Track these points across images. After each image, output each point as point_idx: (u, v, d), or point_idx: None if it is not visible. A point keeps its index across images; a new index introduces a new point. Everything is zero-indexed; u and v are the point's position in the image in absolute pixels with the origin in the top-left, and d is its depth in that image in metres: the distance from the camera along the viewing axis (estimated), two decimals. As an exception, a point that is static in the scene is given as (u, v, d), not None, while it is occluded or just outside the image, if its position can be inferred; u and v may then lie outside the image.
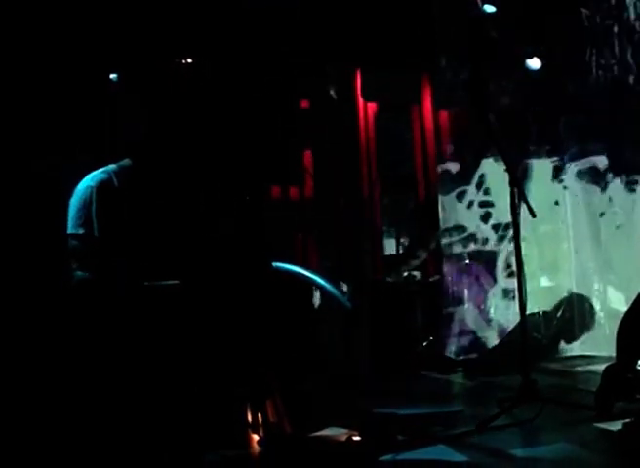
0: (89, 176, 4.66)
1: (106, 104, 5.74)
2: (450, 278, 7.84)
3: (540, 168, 7.96)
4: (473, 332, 7.75)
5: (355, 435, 4.86)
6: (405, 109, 8.88)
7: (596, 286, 7.85)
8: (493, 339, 7.71)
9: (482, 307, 7.85)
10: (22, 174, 5.32)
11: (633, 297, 5.29)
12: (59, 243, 4.75)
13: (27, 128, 5.41)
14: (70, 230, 4.54)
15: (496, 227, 7.91)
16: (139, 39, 6.33)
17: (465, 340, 7.71)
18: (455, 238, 7.91)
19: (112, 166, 4.74)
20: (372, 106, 8.61)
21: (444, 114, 8.55)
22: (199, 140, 6.11)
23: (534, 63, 8.41)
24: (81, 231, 4.51)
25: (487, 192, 7.98)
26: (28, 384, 4.81)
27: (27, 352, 4.96)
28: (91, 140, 5.56)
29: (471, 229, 7.97)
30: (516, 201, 5.47)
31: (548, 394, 5.43)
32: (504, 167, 5.60)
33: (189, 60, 6.90)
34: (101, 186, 4.60)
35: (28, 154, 5.34)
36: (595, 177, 7.84)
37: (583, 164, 7.90)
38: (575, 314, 7.84)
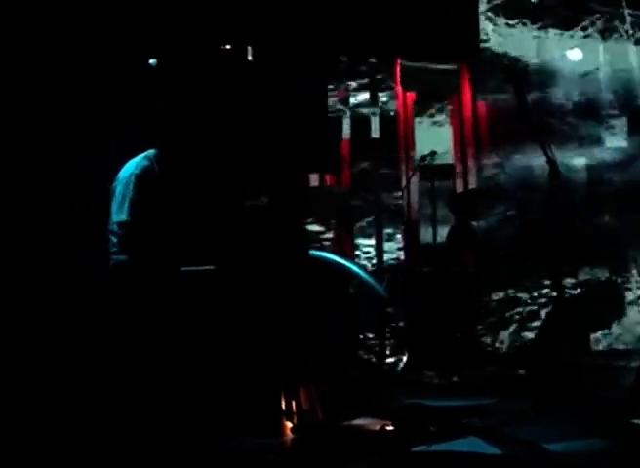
0: (131, 164, 4.69)
1: (140, 91, 5.75)
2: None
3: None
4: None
5: (388, 425, 4.86)
6: (444, 98, 8.84)
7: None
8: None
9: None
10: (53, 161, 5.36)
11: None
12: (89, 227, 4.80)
13: (47, 116, 5.44)
14: (117, 218, 4.57)
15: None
16: (175, 25, 6.33)
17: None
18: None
19: (152, 151, 4.76)
20: (411, 95, 8.58)
21: (482, 104, 8.53)
22: (236, 127, 6.11)
23: (575, 55, 8.35)
24: (128, 218, 4.53)
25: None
26: (66, 362, 4.86)
27: (64, 333, 5.01)
28: (119, 127, 5.58)
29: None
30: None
31: (582, 388, 5.41)
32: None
33: (228, 47, 6.89)
34: (144, 173, 4.63)
35: (45, 143, 5.37)
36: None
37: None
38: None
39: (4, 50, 5.34)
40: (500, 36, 8.45)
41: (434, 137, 8.64)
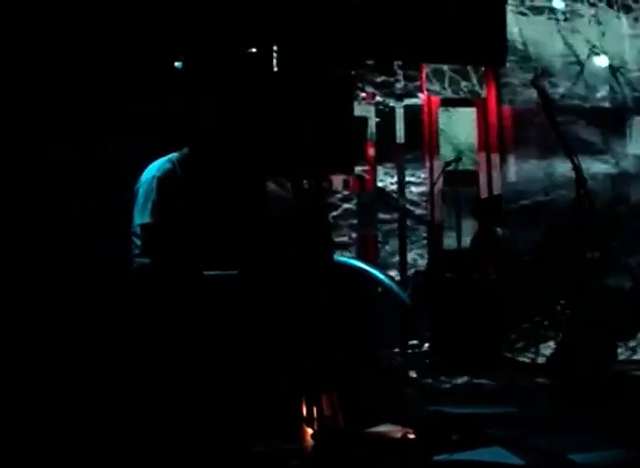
0: (154, 166, 4.68)
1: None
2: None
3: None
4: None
5: (410, 433, 4.82)
6: (469, 103, 8.82)
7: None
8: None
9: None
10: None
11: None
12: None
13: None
14: (139, 220, 4.55)
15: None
16: (201, 27, 6.31)
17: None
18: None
19: (175, 154, 4.75)
20: (435, 100, 8.57)
21: (507, 109, 8.51)
22: (259, 129, 6.10)
23: (601, 62, 8.32)
24: (150, 221, 4.53)
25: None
26: (88, 366, 4.85)
27: (86, 336, 5.00)
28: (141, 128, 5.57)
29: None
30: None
31: (606, 397, 5.36)
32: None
33: (254, 50, 6.88)
34: (166, 176, 4.62)
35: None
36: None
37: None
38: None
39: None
40: (527, 38, 8.43)
41: (459, 143, 8.63)
